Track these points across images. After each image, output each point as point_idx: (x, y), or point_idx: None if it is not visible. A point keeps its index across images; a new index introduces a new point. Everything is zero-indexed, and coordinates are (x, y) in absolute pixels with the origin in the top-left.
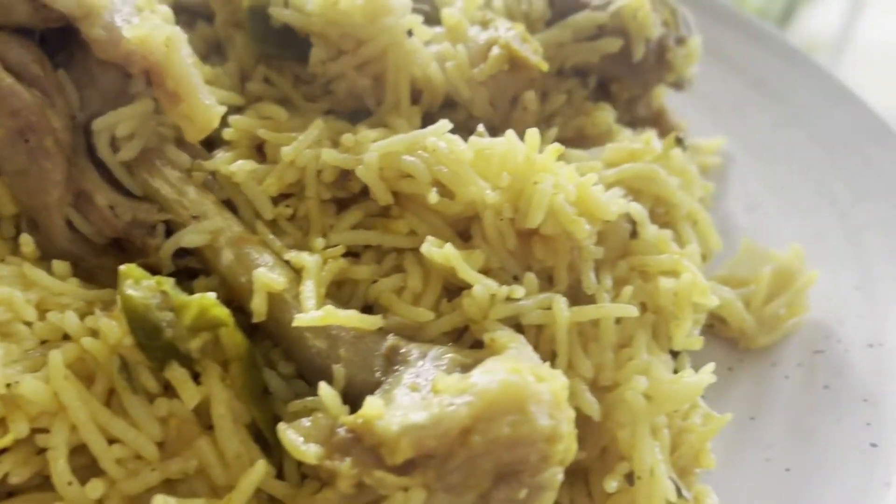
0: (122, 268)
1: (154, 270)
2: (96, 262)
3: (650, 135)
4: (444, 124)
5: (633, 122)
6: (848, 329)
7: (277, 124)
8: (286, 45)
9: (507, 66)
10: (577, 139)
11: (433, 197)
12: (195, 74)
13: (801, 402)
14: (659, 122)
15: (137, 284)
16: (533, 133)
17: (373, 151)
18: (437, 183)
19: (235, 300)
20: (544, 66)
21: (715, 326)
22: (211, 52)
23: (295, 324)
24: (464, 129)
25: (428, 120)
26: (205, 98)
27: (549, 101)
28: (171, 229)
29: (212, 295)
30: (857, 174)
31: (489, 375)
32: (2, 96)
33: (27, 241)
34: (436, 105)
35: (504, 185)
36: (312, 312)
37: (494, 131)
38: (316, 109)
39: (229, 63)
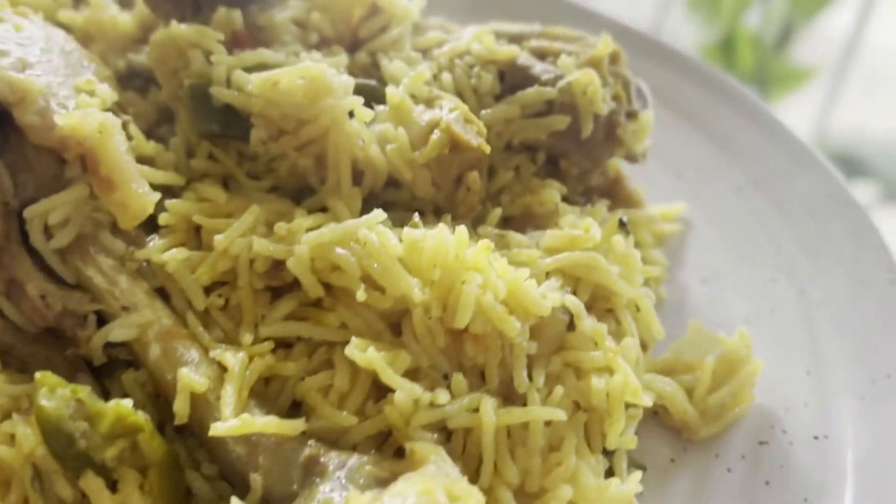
0: (38, 375)
1: (86, 360)
2: (28, 350)
3: (590, 222)
4: (378, 215)
5: (587, 191)
6: (794, 418)
7: (215, 207)
8: (229, 125)
9: (447, 149)
10: (524, 217)
11: (361, 294)
12: (129, 161)
13: (741, 500)
14: (614, 190)
15: (52, 393)
16: (461, 231)
17: (303, 244)
18: (367, 277)
19: (163, 395)
20: (487, 149)
21: (659, 413)
22: (163, 119)
23: (211, 433)
24: (408, 209)
25: (372, 199)
26: (138, 186)
27: (496, 178)
28: (102, 319)
29: (128, 402)
30: (816, 247)
31: (399, 499)
32: None
33: None
34: (378, 185)
35: (434, 281)
36: (230, 421)
37: (439, 211)
38: (259, 187)
39: (175, 139)
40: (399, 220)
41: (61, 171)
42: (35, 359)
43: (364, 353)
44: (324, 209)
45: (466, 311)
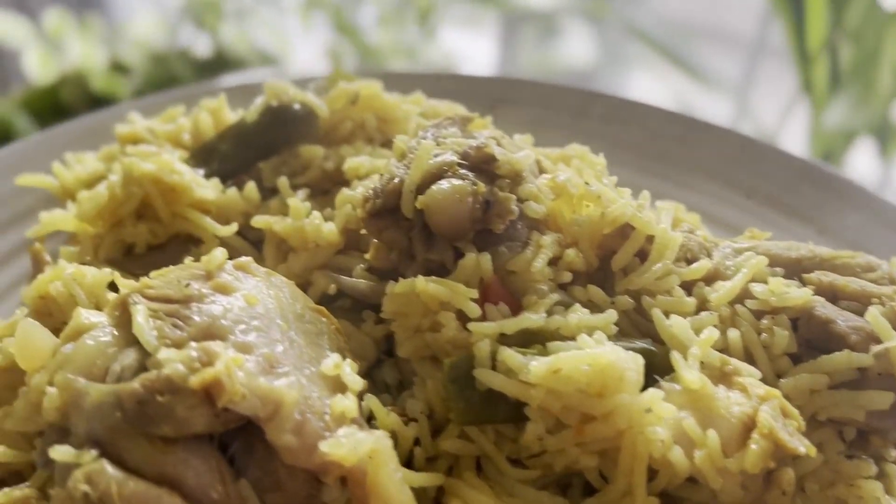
0: None
1: None
2: None
3: None
4: None
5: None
6: None
7: None
8: (494, 411)
9: (771, 462)
10: None
11: None
12: (403, 490)
13: None
14: None
15: None
16: None
17: None
18: None
19: None
20: (813, 452)
21: None
22: (382, 355)
23: None
24: None
25: (665, 498)
26: None
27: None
28: None
29: None
30: None
31: None
32: None
33: None
34: (673, 485)
35: None
36: None
37: None
38: (524, 477)
39: (412, 402)
40: None
41: (317, 491)
42: None
43: None
44: None
45: None
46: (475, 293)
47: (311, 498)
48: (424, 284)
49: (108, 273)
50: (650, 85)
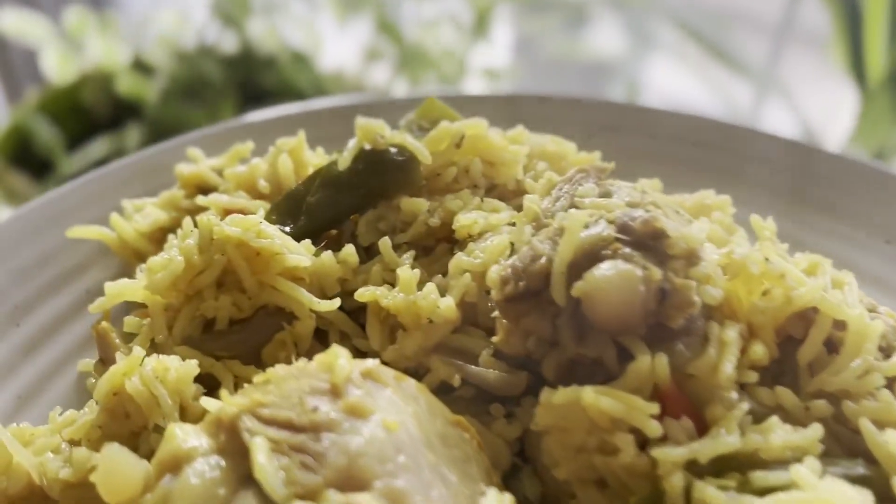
0: None
1: None
2: None
3: None
4: None
5: None
6: None
7: None
8: None
9: None
10: None
11: None
12: None
13: None
14: None
15: None
16: None
17: None
18: None
19: None
20: None
21: None
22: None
23: None
24: None
25: None
26: None
27: None
28: None
29: None
30: None
31: None
32: None
33: None
34: None
35: None
36: None
37: None
38: None
39: None
40: None
41: None
42: None
43: None
44: None
45: None
46: (656, 408)
47: None
48: (594, 397)
49: (194, 366)
50: (675, 71)
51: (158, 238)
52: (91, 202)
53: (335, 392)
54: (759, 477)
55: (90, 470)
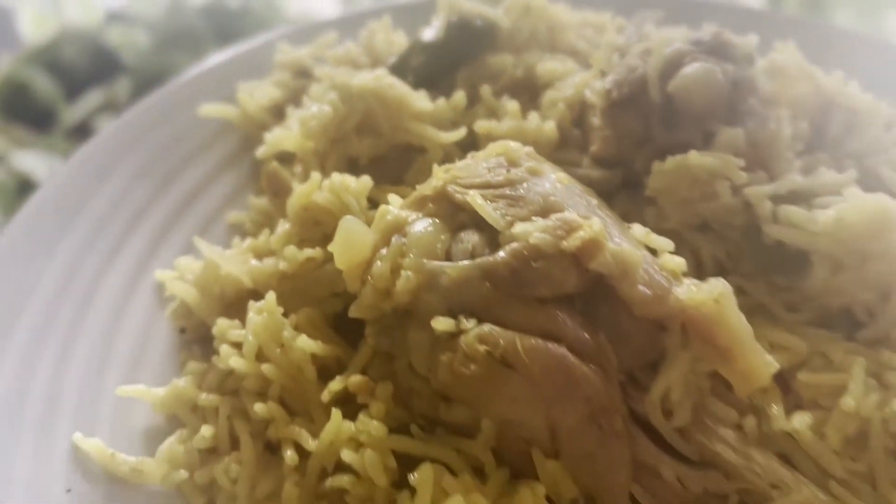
0: None
1: None
2: None
3: None
4: None
5: None
6: None
7: (793, 356)
8: (781, 261)
9: None
10: None
11: None
12: (748, 329)
13: None
14: None
15: None
16: None
17: None
18: None
19: None
20: None
21: None
22: None
23: None
24: None
25: None
26: (759, 353)
27: None
28: (741, 499)
29: None
30: None
31: None
32: (576, 384)
33: None
34: None
35: None
36: None
37: None
38: (799, 321)
39: None
40: None
41: (655, 341)
42: None
43: None
44: (881, 342)
45: None
46: (743, 163)
47: (651, 347)
48: (699, 158)
49: (368, 180)
50: None
51: (274, 112)
52: (207, 91)
53: (513, 164)
54: (823, 201)
55: (302, 262)
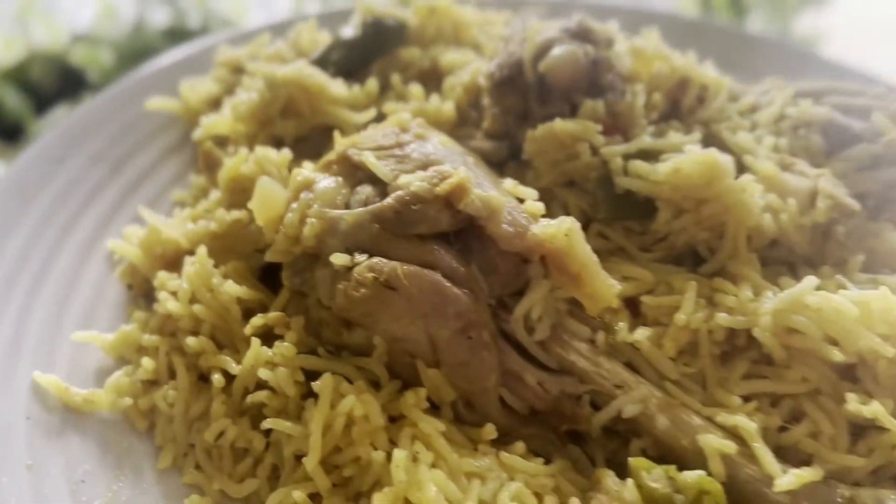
0: (632, 461)
1: (578, 434)
2: (525, 431)
3: None
4: (812, 281)
5: None
6: None
7: (642, 284)
8: (630, 208)
9: (834, 213)
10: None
11: (837, 355)
12: (593, 257)
13: None
14: None
15: (649, 474)
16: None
17: (766, 315)
18: (826, 338)
19: (670, 458)
20: (857, 208)
21: None
22: None
23: (777, 489)
24: (783, 264)
25: None
26: (605, 278)
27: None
28: (592, 398)
29: (697, 474)
30: None
31: None
32: (448, 302)
33: (491, 430)
34: (761, 247)
35: (890, 336)
36: (786, 477)
37: (809, 262)
38: (650, 258)
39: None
40: (773, 273)
41: (521, 270)
42: (532, 437)
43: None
44: (718, 273)
45: None
46: (600, 127)
47: (518, 276)
48: (562, 124)
49: (287, 153)
50: None
51: (213, 105)
52: (152, 88)
53: (404, 129)
54: (666, 157)
55: (230, 223)
